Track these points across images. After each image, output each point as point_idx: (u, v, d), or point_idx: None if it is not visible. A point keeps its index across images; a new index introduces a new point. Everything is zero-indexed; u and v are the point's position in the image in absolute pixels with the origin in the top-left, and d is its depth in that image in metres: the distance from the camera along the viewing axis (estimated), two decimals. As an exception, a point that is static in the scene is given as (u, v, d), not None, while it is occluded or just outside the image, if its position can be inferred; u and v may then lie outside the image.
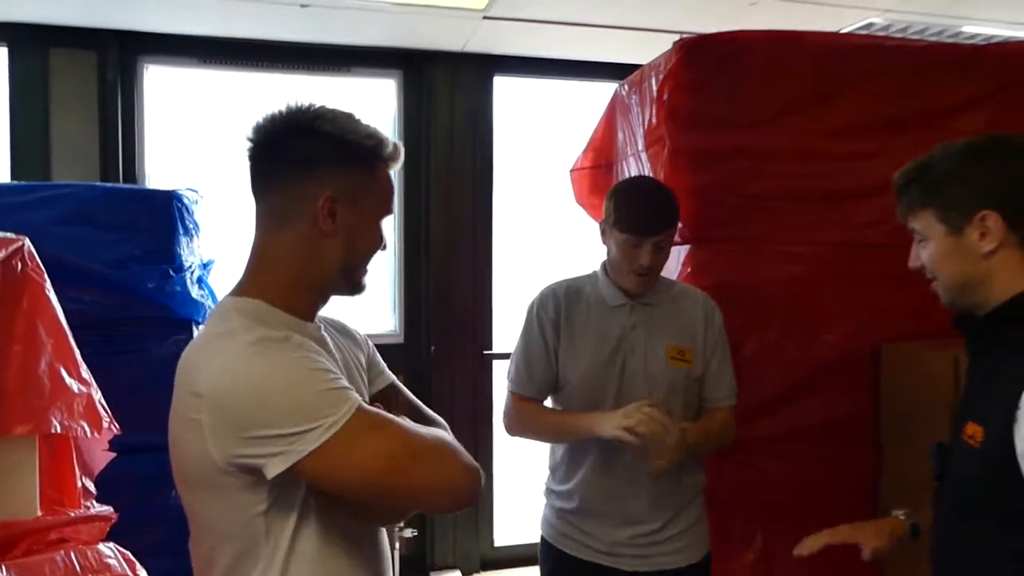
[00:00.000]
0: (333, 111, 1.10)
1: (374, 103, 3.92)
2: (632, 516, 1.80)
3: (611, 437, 1.64)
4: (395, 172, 1.17)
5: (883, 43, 2.32)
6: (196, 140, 3.70)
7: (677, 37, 2.26)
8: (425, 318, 3.92)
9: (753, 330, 2.19)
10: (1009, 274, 1.19)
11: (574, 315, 1.82)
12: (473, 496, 1.07)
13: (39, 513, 1.37)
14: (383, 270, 4.00)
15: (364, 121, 1.12)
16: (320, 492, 1.05)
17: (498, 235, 3.99)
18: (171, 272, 2.26)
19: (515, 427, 1.91)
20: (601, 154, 2.79)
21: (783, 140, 2.19)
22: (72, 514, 1.42)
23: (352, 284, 1.16)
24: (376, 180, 1.12)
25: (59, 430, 1.35)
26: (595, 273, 1.89)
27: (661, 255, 1.77)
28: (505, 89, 4.00)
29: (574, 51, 3.78)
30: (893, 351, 2.21)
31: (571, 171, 2.89)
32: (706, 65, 2.12)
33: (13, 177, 3.34)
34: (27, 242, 1.38)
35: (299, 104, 1.09)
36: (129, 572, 1.41)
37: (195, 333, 2.44)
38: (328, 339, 1.18)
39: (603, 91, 3.91)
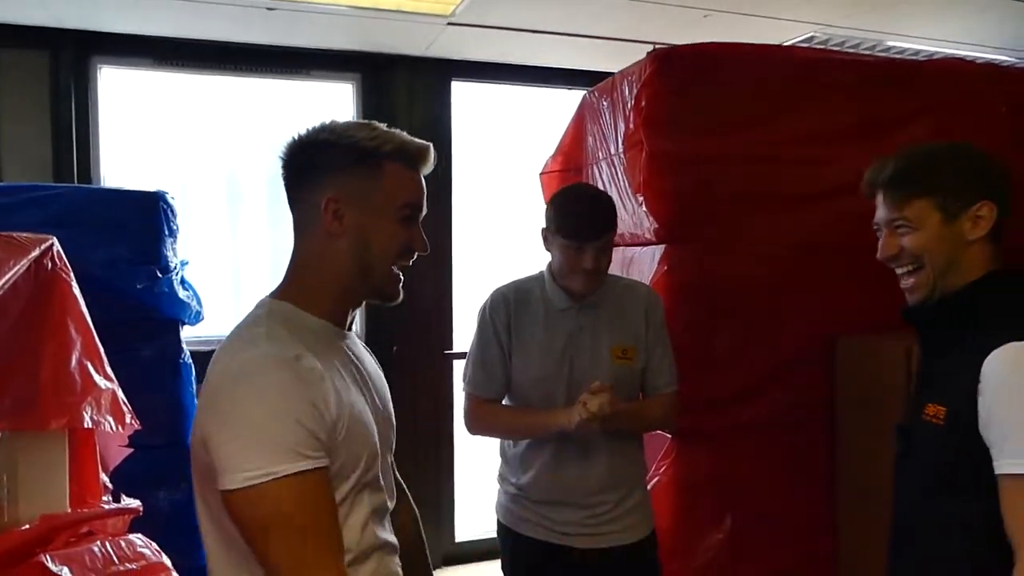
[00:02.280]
0: (342, 122, 1.14)
1: (332, 107, 3.95)
2: (583, 501, 1.90)
3: (576, 427, 1.73)
4: (423, 172, 1.18)
5: (835, 58, 2.53)
6: (151, 142, 3.65)
7: (636, 46, 2.39)
8: (386, 319, 3.96)
9: (722, 325, 2.35)
10: (975, 264, 1.30)
11: (524, 319, 1.90)
12: None
13: (68, 507, 1.39)
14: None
15: (382, 127, 1.14)
16: None
17: (457, 237, 4.07)
18: (158, 273, 2.26)
19: (476, 427, 1.99)
20: (570, 158, 2.91)
21: (747, 146, 2.35)
22: (104, 507, 1.44)
23: (374, 288, 1.16)
24: (385, 178, 1.12)
25: (91, 425, 1.37)
26: (542, 275, 1.96)
27: (604, 257, 1.85)
28: (464, 93, 4.09)
29: (534, 57, 3.90)
30: (849, 343, 2.40)
31: (541, 174, 3.00)
32: (679, 74, 2.27)
33: (-39, 178, 3.24)
34: (55, 241, 1.40)
35: (321, 122, 1.14)
36: (160, 560, 1.44)
37: (181, 334, 2.45)
38: (353, 351, 1.19)
39: (557, 96, 4.08)
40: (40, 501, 1.34)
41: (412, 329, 3.94)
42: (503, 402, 1.97)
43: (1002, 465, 1.17)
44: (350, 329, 1.21)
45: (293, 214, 1.16)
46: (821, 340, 2.42)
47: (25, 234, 1.35)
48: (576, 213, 1.82)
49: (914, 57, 3.63)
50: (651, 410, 1.98)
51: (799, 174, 2.38)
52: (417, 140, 1.17)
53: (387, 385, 1.30)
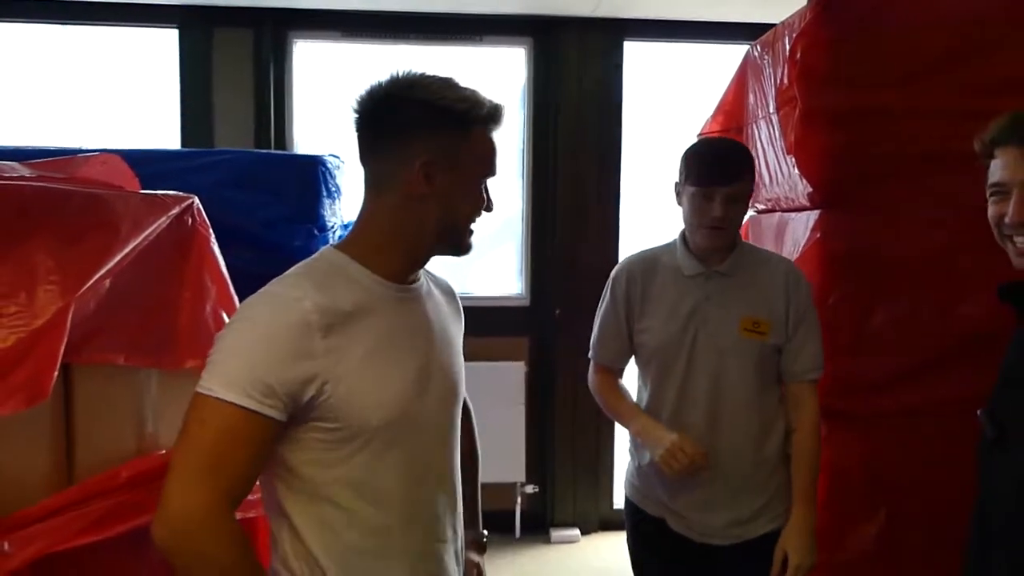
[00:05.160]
0: (429, 78, 1.13)
1: (504, 72, 4.01)
2: (709, 503, 1.80)
3: (657, 459, 1.71)
4: (496, 134, 1.18)
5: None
6: (338, 110, 3.93)
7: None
8: (551, 281, 4.00)
9: (885, 299, 2.11)
10: None
11: (650, 288, 1.84)
12: (160, 539, 1.00)
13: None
14: (510, 234, 4.11)
15: (462, 85, 1.14)
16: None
17: (625, 199, 4.01)
18: (316, 232, 2.45)
19: (592, 392, 1.98)
20: (731, 118, 2.74)
21: (927, 98, 2.06)
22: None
23: (453, 245, 1.20)
24: (472, 142, 1.14)
25: (221, 366, 1.52)
26: (674, 242, 1.90)
27: (736, 209, 1.74)
28: (634, 53, 3.98)
29: (705, 12, 3.70)
30: (1043, 325, 2.07)
31: (699, 135, 2.86)
32: (844, 21, 2.04)
33: (183, 145, 3.69)
34: (196, 200, 1.56)
35: (397, 74, 1.13)
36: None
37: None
38: (414, 307, 1.20)
39: (734, 53, 3.84)
40: (180, 430, 1.52)
41: (576, 292, 3.94)
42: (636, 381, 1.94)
43: None
44: (414, 282, 1.22)
45: (372, 170, 1.17)
46: (1007, 320, 2.10)
47: (169, 192, 1.52)
48: (706, 158, 1.75)
49: None
50: (813, 453, 1.83)
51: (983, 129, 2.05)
52: (496, 101, 1.16)
53: (453, 341, 1.29)
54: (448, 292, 1.35)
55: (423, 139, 1.11)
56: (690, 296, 1.81)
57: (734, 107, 2.74)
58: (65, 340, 1.21)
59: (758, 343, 1.79)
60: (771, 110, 2.35)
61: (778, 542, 1.77)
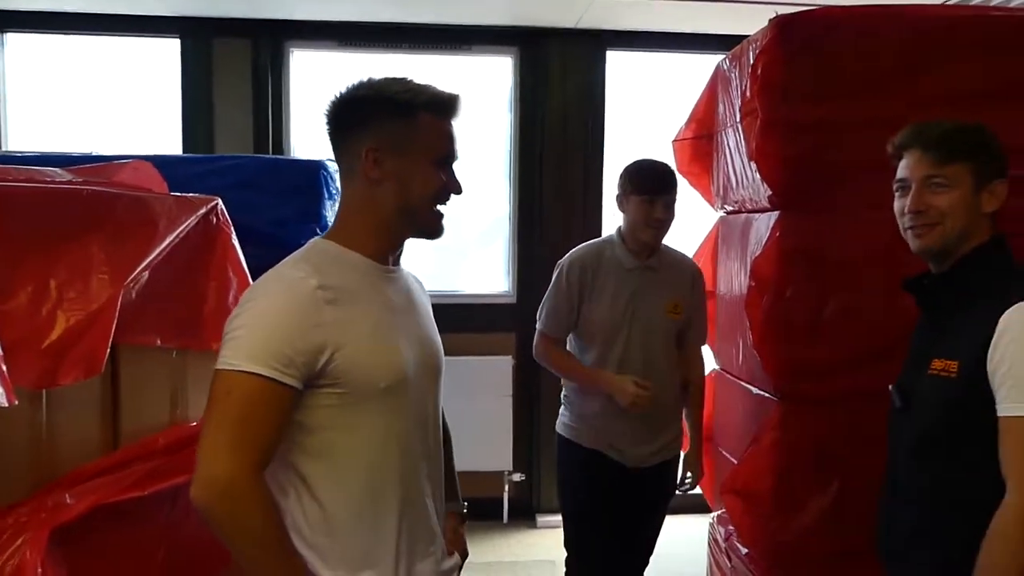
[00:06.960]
0: (379, 78, 1.27)
1: (492, 79, 4.21)
2: (634, 439, 2.39)
3: (626, 406, 2.27)
4: (451, 121, 1.29)
5: (990, 14, 2.35)
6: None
7: (786, 10, 2.37)
8: (537, 280, 4.19)
9: (837, 292, 2.31)
10: (981, 234, 1.43)
11: (598, 277, 2.37)
12: (200, 501, 1.09)
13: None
14: (497, 235, 4.31)
15: (414, 81, 1.26)
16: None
17: (607, 200, 4.21)
18: (319, 231, 2.63)
19: (540, 359, 2.50)
20: (703, 125, 2.95)
21: (875, 110, 2.25)
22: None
23: (418, 226, 1.30)
24: (418, 127, 1.24)
25: (243, 349, 1.72)
26: (612, 238, 2.43)
27: (670, 212, 2.33)
28: (616, 62, 4.19)
29: (682, 24, 3.91)
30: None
31: (674, 141, 3.07)
32: (799, 41, 2.25)
33: (184, 151, 3.87)
34: (219, 201, 1.75)
35: (352, 82, 1.28)
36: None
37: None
38: (397, 284, 1.33)
39: (709, 62, 4.05)
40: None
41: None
42: (568, 346, 2.48)
43: (1004, 408, 1.27)
44: (396, 264, 1.35)
45: (339, 166, 1.31)
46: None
47: (195, 195, 1.72)
48: (648, 174, 2.34)
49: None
50: (703, 399, 2.62)
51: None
52: (447, 91, 1.28)
53: (432, 319, 1.43)
54: (417, 280, 1.46)
55: (370, 128, 1.25)
56: (629, 285, 2.36)
57: (706, 115, 2.95)
58: (115, 323, 1.40)
59: (676, 321, 2.42)
60: (737, 119, 2.56)
61: (684, 462, 2.53)
